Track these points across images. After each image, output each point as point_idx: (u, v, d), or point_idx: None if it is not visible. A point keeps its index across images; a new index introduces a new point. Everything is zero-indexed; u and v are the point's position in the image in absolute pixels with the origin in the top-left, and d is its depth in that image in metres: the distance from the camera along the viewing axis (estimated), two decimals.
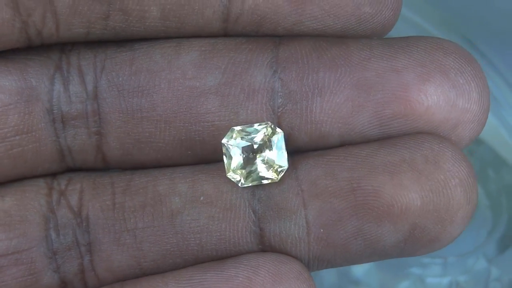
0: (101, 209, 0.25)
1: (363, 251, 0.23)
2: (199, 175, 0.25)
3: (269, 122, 0.24)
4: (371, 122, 0.23)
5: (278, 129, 0.24)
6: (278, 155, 0.24)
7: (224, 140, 0.24)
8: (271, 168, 0.24)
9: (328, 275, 0.39)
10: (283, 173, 0.24)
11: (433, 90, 0.23)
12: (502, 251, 0.39)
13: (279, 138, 0.24)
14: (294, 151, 0.24)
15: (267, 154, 0.24)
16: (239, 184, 0.24)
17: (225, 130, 0.24)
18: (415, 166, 0.23)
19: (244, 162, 0.24)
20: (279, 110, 0.24)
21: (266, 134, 0.24)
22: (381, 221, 0.23)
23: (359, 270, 0.38)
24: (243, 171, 0.24)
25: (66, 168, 0.25)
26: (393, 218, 0.23)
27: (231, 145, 0.24)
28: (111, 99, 0.25)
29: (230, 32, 0.25)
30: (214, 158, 0.25)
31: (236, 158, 0.24)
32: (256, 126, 0.24)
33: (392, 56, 0.23)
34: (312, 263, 0.24)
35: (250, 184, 0.24)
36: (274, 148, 0.24)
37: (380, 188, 0.23)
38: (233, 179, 0.24)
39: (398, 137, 0.23)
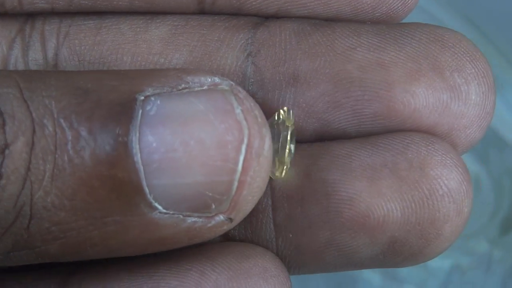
0: None
1: (337, 261, 0.21)
2: None
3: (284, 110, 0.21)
4: (349, 120, 0.21)
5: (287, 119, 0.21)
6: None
7: None
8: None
9: None
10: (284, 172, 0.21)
11: (421, 90, 0.20)
12: (505, 233, 0.39)
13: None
14: None
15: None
16: None
17: None
18: (397, 172, 0.20)
19: None
20: None
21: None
22: (355, 233, 0.20)
23: None
24: None
25: None
26: (369, 231, 0.20)
27: None
28: (70, 69, 0.23)
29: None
30: None
31: None
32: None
33: (381, 47, 0.21)
34: (287, 267, 0.22)
35: None
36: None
37: (356, 196, 0.20)
38: None
39: (382, 135, 0.21)
